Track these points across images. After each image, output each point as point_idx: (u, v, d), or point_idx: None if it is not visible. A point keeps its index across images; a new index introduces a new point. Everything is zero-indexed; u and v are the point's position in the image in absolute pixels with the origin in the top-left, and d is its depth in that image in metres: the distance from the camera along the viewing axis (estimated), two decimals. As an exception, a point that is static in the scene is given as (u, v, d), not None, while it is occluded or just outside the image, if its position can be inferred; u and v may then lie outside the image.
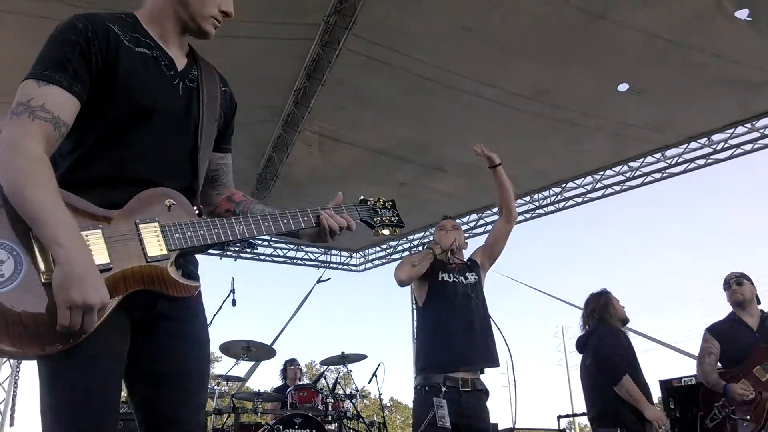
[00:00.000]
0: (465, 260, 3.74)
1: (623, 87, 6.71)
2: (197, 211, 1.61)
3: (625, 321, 4.58)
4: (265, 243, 11.39)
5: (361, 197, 1.95)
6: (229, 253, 11.01)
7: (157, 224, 1.43)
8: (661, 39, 6.00)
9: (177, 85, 1.57)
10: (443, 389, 3.15)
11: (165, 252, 1.41)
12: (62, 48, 1.40)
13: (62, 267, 1.23)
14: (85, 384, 1.33)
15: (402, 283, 3.42)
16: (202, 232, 1.48)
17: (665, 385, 5.30)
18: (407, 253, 11.44)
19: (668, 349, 7.66)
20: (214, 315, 5.54)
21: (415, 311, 11.13)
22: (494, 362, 3.38)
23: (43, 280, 1.27)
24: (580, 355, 4.57)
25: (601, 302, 4.51)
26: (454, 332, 3.31)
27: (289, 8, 6.00)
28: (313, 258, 11.72)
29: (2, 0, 5.46)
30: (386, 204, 1.95)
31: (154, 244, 1.40)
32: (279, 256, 11.55)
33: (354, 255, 11.98)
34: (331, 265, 11.85)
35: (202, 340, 1.61)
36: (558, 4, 5.69)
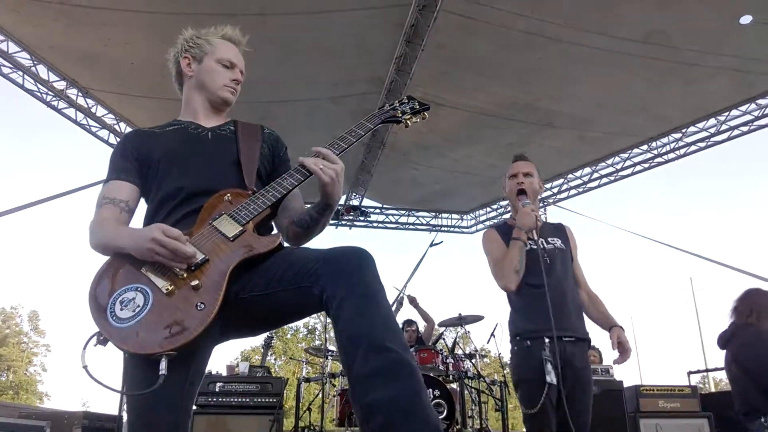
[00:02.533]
0: (552, 223, 3.51)
1: (746, 19, 6.18)
2: (251, 192, 1.87)
3: None
4: (377, 210, 11.67)
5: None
6: (343, 222, 11.41)
7: (225, 215, 1.76)
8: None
9: (205, 135, 2.03)
10: (546, 342, 2.96)
11: (240, 227, 1.72)
12: (112, 160, 1.99)
13: (133, 242, 1.66)
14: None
15: (513, 291, 3.12)
16: (260, 201, 1.79)
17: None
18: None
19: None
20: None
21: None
22: (581, 333, 3.16)
23: (165, 292, 1.58)
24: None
25: (764, 302, 4.27)
26: (539, 304, 3.01)
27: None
28: (424, 222, 11.86)
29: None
30: (403, 100, 2.12)
31: (230, 227, 1.72)
32: (391, 222, 11.80)
33: (464, 217, 11.97)
34: (443, 229, 11.93)
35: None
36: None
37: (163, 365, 1.50)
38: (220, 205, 1.80)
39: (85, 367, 1.50)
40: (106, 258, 1.74)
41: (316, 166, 1.75)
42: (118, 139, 2.08)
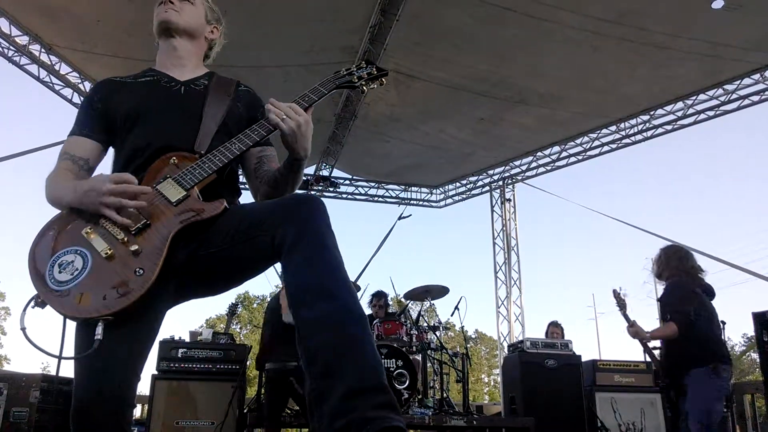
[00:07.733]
0: None
1: (718, 4, 6.25)
2: (198, 156, 1.81)
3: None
4: (347, 182, 11.63)
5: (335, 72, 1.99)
6: (312, 192, 11.35)
7: (170, 179, 1.71)
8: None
9: (177, 89, 1.96)
10: None
11: (185, 192, 1.67)
12: (79, 111, 1.97)
13: (81, 196, 1.65)
14: None
15: None
16: (206, 165, 1.74)
17: (759, 318, 5.11)
18: (487, 188, 11.35)
19: (763, 281, 7.34)
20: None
21: (498, 246, 11.19)
22: None
23: (105, 256, 1.56)
24: None
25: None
26: None
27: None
28: (393, 195, 11.87)
29: None
30: (360, 65, 2.01)
31: (174, 192, 1.68)
32: (360, 194, 11.78)
33: (434, 191, 12.02)
34: (412, 202, 11.96)
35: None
36: None
37: (99, 330, 1.48)
38: (165, 168, 1.76)
39: (23, 329, 1.49)
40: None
41: (278, 117, 1.71)
42: (84, 96, 1.99)
